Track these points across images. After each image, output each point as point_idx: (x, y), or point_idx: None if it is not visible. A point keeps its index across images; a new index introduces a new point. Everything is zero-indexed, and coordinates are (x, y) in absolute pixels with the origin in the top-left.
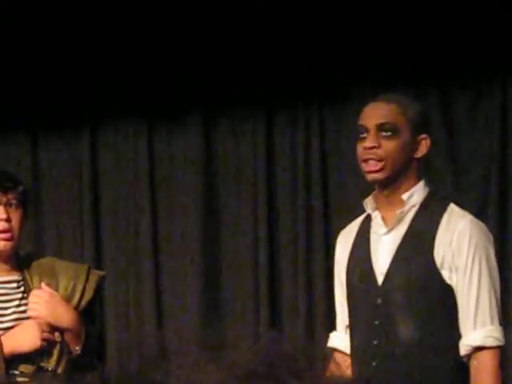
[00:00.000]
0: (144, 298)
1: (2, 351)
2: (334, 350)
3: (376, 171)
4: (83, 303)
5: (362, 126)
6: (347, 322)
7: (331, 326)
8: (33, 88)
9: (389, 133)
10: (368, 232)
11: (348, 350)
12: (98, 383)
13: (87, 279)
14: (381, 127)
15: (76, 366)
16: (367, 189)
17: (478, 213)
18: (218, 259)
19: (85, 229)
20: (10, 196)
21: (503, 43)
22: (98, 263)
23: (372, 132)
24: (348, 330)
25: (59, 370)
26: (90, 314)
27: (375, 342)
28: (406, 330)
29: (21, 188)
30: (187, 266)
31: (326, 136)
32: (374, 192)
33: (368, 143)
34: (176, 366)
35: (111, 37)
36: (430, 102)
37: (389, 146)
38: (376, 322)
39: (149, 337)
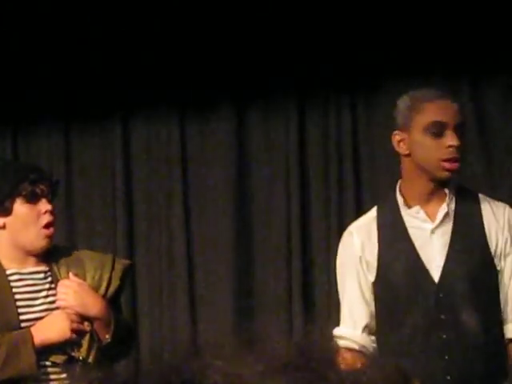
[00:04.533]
0: (177, 290)
1: (33, 342)
2: (347, 349)
3: (454, 171)
4: (110, 292)
5: (440, 122)
6: (366, 321)
7: None
8: (64, 77)
9: (462, 133)
10: (403, 227)
11: (364, 350)
12: (134, 374)
13: (113, 268)
14: (458, 127)
15: (107, 354)
16: (397, 176)
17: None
18: (250, 249)
19: (117, 220)
20: (48, 188)
21: None
22: (130, 254)
23: (452, 130)
24: (367, 330)
25: (90, 360)
26: (116, 302)
27: (444, 337)
28: (471, 320)
29: (55, 180)
30: (220, 257)
31: (358, 124)
32: (404, 186)
33: (455, 141)
34: (213, 357)
35: (143, 25)
36: (462, 97)
37: (462, 146)
38: (442, 317)
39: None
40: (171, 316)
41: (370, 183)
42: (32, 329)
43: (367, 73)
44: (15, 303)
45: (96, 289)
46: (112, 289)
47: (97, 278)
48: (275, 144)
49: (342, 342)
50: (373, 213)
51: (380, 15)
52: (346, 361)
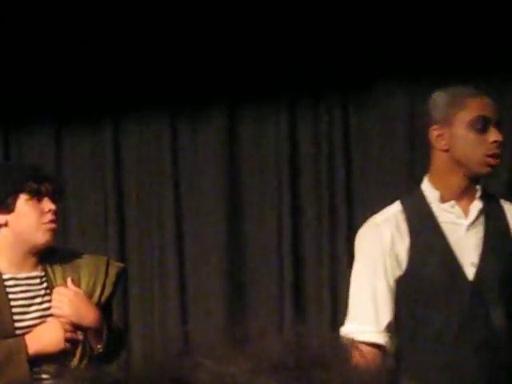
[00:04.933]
0: (168, 290)
1: (27, 352)
2: (368, 344)
3: (495, 166)
4: (103, 298)
5: (484, 117)
6: (390, 319)
7: None
8: (56, 79)
9: (500, 129)
10: (434, 221)
11: (387, 347)
12: (124, 377)
13: (107, 274)
14: (498, 123)
15: (97, 363)
16: (390, 177)
17: None
18: (242, 249)
19: (109, 222)
20: (51, 188)
21: None
22: (122, 256)
23: (494, 126)
24: (388, 328)
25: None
26: (108, 307)
27: (475, 334)
28: (501, 318)
29: (59, 180)
30: (211, 257)
31: (349, 124)
32: (436, 180)
33: (499, 137)
34: (202, 357)
35: (134, 25)
36: None
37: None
38: (474, 314)
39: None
40: (162, 317)
41: (361, 183)
42: (26, 337)
43: (359, 73)
44: (10, 310)
45: (90, 295)
46: (105, 295)
47: (91, 284)
48: (266, 144)
49: (362, 336)
50: (396, 206)
51: (372, 16)
52: (364, 356)
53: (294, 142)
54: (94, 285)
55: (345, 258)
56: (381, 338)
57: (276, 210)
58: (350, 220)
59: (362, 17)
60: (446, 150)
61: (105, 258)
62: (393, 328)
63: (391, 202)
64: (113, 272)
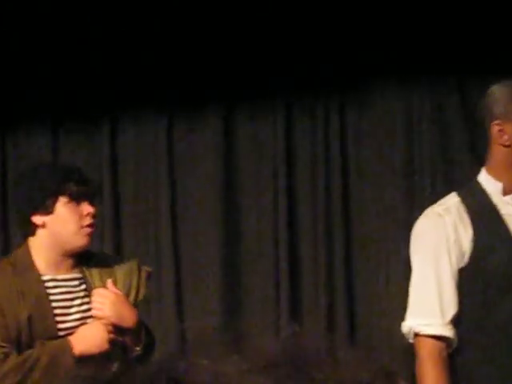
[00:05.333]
0: (164, 290)
1: (73, 353)
2: (436, 338)
3: None
4: (138, 300)
5: None
6: (455, 311)
7: (351, 317)
8: (53, 79)
9: None
10: (496, 213)
11: (453, 340)
12: (119, 373)
13: (140, 276)
14: None
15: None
16: (385, 178)
17: None
18: (238, 249)
19: (105, 222)
20: (91, 191)
21: None
22: (118, 254)
23: None
24: (453, 321)
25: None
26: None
27: None
28: None
29: (98, 182)
30: (207, 256)
31: (346, 125)
32: (496, 173)
33: None
34: (199, 356)
35: (130, 26)
36: (450, 96)
37: None
38: None
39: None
40: (158, 316)
41: (357, 184)
42: (71, 338)
43: (356, 73)
44: (53, 311)
45: (126, 296)
46: (140, 297)
47: (127, 286)
48: (263, 145)
49: (429, 330)
50: (454, 197)
51: (370, 16)
52: (430, 351)
53: (291, 142)
54: (130, 287)
55: (341, 259)
56: (448, 331)
57: (272, 210)
58: (346, 220)
59: (359, 17)
60: (508, 146)
61: (135, 261)
62: (456, 320)
63: (388, 202)
64: (143, 275)
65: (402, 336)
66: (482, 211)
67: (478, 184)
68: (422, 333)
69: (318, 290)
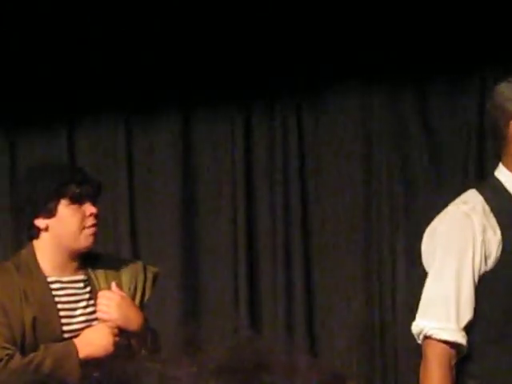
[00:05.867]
0: None
1: (78, 356)
2: (448, 343)
3: None
4: (144, 302)
5: None
6: (470, 317)
7: (310, 319)
8: (10, 82)
9: None
10: None
11: (464, 348)
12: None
13: (146, 277)
14: None
15: None
16: (345, 181)
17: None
18: (196, 254)
19: None
20: (92, 191)
21: (479, 38)
22: None
23: None
24: (466, 328)
25: None
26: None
27: None
28: None
29: (99, 182)
30: (166, 258)
31: (304, 126)
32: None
33: None
34: (149, 360)
35: (90, 26)
36: (407, 99)
37: None
38: None
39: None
40: None
41: (315, 186)
42: (76, 341)
43: (313, 76)
44: (58, 313)
45: (132, 299)
46: (146, 298)
47: (132, 288)
48: (221, 146)
49: (442, 334)
50: (476, 195)
51: (326, 20)
52: (440, 356)
53: (249, 144)
54: (135, 289)
55: (300, 262)
56: (461, 338)
57: (231, 214)
58: (304, 222)
59: (315, 21)
60: None
61: (140, 262)
62: (469, 327)
63: (348, 204)
64: (150, 276)
65: (362, 342)
66: (505, 211)
67: (498, 182)
68: (434, 336)
69: (277, 292)
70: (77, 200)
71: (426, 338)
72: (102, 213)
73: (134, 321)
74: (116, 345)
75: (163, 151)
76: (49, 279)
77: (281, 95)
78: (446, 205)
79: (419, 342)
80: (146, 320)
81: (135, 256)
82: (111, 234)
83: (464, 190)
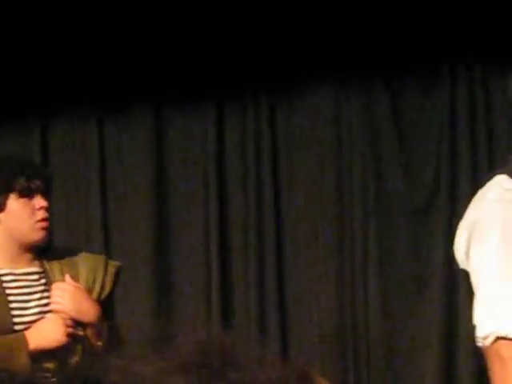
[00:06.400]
0: None
1: (28, 348)
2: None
3: None
4: (103, 296)
5: None
6: None
7: (283, 318)
8: None
9: None
10: None
11: None
12: (34, 376)
13: (106, 272)
14: None
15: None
16: (318, 179)
17: (428, 204)
18: (168, 247)
19: None
20: (42, 184)
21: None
22: None
23: None
24: None
25: None
26: (107, 306)
27: None
28: None
29: (50, 175)
30: (139, 257)
31: (277, 123)
32: None
33: None
34: (116, 357)
35: (60, 28)
36: (378, 96)
37: None
38: None
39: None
40: None
41: (288, 184)
42: (26, 333)
43: (286, 73)
44: (8, 305)
45: (89, 291)
46: (105, 293)
47: (90, 281)
48: (194, 144)
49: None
50: (504, 183)
51: (300, 16)
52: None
53: (222, 142)
54: (94, 282)
55: (273, 255)
56: None
57: (204, 210)
58: (277, 219)
59: (289, 17)
60: None
61: (102, 256)
62: None
63: (320, 202)
64: (111, 270)
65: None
66: None
67: None
68: (510, 336)
69: (250, 291)
70: (26, 194)
71: (500, 338)
72: (75, 209)
73: (88, 312)
74: (69, 336)
75: (135, 149)
76: (1, 271)
77: (254, 94)
78: (417, 204)
79: (483, 344)
80: (101, 313)
81: (107, 251)
82: (83, 230)
83: (435, 188)
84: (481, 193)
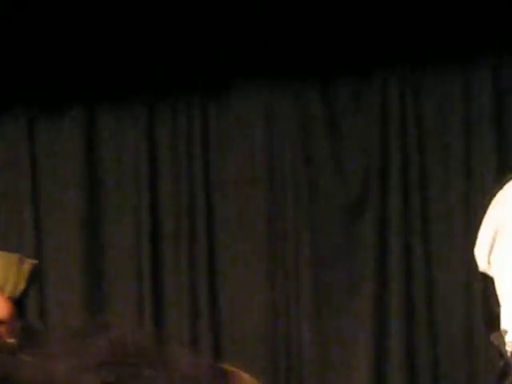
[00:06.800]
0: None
1: None
2: None
3: None
4: (17, 294)
5: None
6: None
7: (215, 317)
8: None
9: None
10: None
11: None
12: None
13: (19, 269)
14: None
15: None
16: (249, 182)
17: (359, 209)
18: (99, 250)
19: None
20: None
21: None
22: None
23: None
24: None
25: None
26: (21, 304)
27: None
28: None
29: None
30: (68, 257)
31: (208, 124)
32: None
33: None
34: (27, 354)
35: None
36: (312, 98)
37: None
38: None
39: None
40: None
41: (219, 178)
42: None
43: (218, 73)
44: None
45: (1, 289)
46: (18, 291)
47: (1, 279)
48: (125, 144)
49: None
50: None
51: (230, 16)
52: None
53: (153, 143)
54: (6, 280)
55: (205, 256)
56: None
57: (135, 213)
58: (209, 219)
59: (221, 17)
60: None
61: (16, 254)
62: None
63: (251, 207)
64: (26, 268)
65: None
66: None
67: None
68: None
69: (182, 291)
70: None
71: None
72: (6, 211)
73: (0, 310)
74: None
75: (66, 149)
76: None
77: (185, 94)
78: (349, 207)
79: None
80: (14, 310)
81: (39, 253)
82: (14, 232)
83: (365, 190)
84: (502, 194)
